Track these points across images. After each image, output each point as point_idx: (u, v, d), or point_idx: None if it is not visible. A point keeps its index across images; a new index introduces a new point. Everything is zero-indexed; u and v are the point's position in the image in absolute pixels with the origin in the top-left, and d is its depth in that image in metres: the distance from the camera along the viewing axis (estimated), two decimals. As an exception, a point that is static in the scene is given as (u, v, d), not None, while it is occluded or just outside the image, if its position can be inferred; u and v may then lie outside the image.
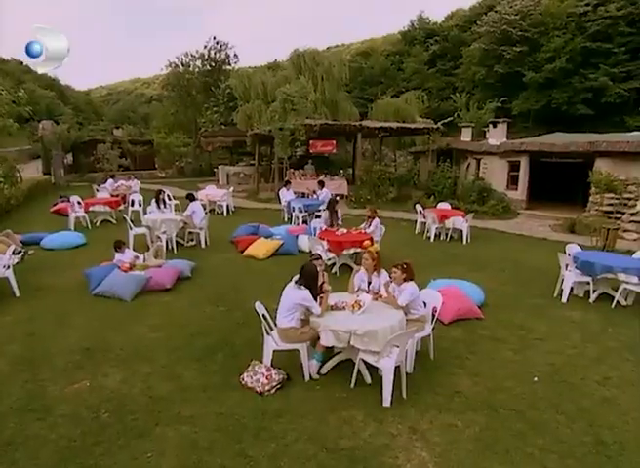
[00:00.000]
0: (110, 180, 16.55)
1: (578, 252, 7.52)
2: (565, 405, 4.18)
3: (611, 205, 13.19)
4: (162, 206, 10.80)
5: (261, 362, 4.60)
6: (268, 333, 4.57)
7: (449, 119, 21.62)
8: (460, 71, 35.41)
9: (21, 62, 56.58)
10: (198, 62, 30.70)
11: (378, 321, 4.38)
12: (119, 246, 8.15)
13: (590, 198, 14.10)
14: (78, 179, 22.93)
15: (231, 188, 15.94)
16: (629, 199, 12.91)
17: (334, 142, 17.08)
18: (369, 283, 5.24)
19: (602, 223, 11.30)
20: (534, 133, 21.42)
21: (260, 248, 9.28)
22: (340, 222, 9.81)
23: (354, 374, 4.35)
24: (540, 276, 8.12)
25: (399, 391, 4.20)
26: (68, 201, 13.03)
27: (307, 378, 4.52)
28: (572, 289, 6.99)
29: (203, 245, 10.18)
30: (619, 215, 12.99)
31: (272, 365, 4.54)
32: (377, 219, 9.18)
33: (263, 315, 4.59)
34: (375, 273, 5.22)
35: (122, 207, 13.56)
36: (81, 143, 25.42)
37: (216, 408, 4.06)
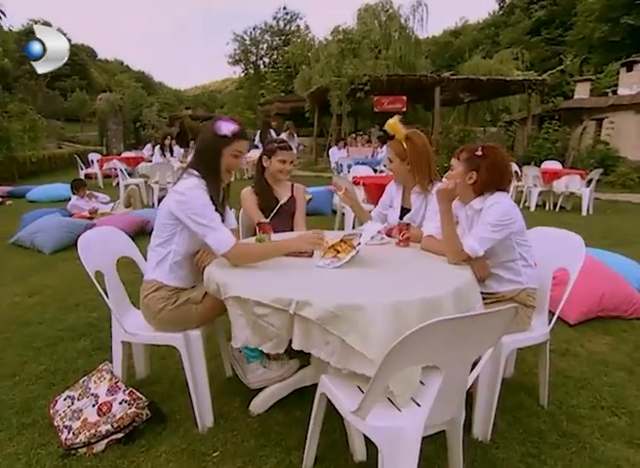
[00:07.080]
0: (148, 145, 15.01)
1: None
2: None
3: None
4: (168, 154, 8.60)
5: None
6: (108, 308, 1.84)
7: (560, 67, 16.98)
8: (572, 33, 29.47)
9: (122, 62, 61.56)
10: (267, 36, 28.85)
11: (379, 282, 1.46)
12: (77, 187, 6.11)
13: None
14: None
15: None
16: None
17: (404, 99, 13.78)
18: (405, 211, 2.27)
19: None
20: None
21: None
22: None
23: (309, 441, 1.48)
24: None
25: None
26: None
27: (204, 426, 1.74)
28: None
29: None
30: None
31: (126, 382, 1.83)
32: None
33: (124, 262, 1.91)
34: (416, 186, 2.23)
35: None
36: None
37: None
